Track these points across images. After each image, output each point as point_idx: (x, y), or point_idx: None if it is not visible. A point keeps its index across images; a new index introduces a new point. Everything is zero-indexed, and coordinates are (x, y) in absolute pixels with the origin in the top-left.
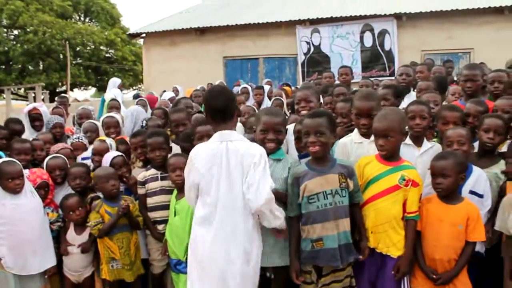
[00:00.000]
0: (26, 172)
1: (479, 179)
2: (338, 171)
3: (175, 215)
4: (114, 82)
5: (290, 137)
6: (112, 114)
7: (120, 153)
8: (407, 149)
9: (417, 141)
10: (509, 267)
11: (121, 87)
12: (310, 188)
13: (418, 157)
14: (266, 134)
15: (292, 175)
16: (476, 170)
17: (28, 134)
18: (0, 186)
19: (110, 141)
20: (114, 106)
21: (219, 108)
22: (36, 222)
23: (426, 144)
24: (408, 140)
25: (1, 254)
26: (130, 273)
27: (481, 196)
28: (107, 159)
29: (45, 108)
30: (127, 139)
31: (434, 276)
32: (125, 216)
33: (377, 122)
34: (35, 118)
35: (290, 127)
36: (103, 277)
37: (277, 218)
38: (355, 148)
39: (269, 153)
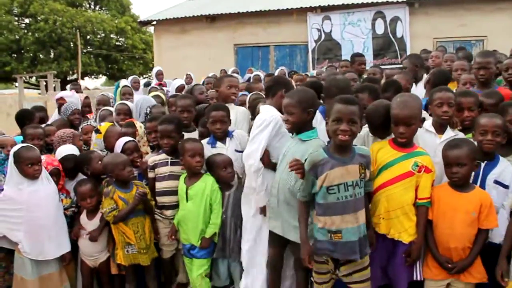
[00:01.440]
0: (42, 158)
1: (506, 169)
2: (359, 161)
3: (187, 201)
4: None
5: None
6: (124, 101)
7: (131, 138)
8: (428, 136)
9: (440, 129)
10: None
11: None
12: (331, 179)
13: (439, 145)
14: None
15: (310, 162)
16: (503, 161)
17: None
18: (18, 171)
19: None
20: (127, 92)
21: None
22: (52, 208)
23: (449, 132)
24: (430, 127)
25: (18, 239)
26: (146, 257)
27: (506, 186)
28: (119, 144)
29: (72, 98)
30: (136, 122)
31: (450, 265)
32: (143, 202)
33: (398, 109)
34: (61, 105)
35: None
36: (118, 262)
37: (252, 188)
38: (371, 141)
39: (292, 133)
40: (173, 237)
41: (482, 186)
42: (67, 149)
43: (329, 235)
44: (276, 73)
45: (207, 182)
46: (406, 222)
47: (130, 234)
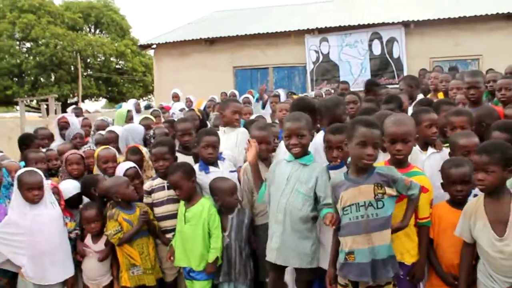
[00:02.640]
0: (47, 182)
1: None
2: (375, 181)
3: (185, 223)
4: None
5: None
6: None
7: (133, 165)
8: (413, 154)
9: (423, 147)
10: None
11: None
12: (345, 199)
13: (426, 160)
14: (289, 140)
15: (331, 185)
16: None
17: (58, 141)
18: (21, 196)
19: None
20: (130, 117)
21: None
22: (55, 233)
23: (431, 148)
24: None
25: (21, 263)
26: (152, 277)
27: None
28: (120, 169)
29: (73, 118)
30: (141, 148)
31: (456, 282)
32: (147, 223)
33: (394, 127)
34: (63, 126)
35: (320, 135)
36: (123, 285)
37: None
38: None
39: (296, 157)
40: (171, 258)
41: None
42: (72, 188)
43: (345, 256)
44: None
45: (205, 206)
46: (408, 243)
47: (136, 255)
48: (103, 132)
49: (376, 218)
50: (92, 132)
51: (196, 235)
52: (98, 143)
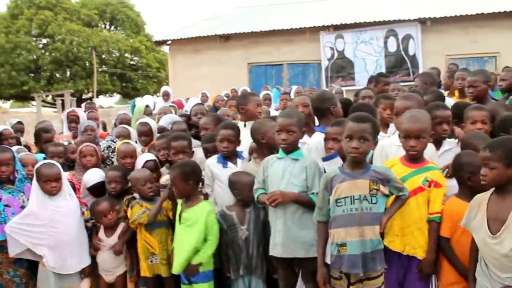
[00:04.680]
0: (66, 174)
1: None
2: (370, 176)
3: (180, 223)
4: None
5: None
6: (146, 120)
7: (153, 157)
8: (429, 150)
9: (437, 143)
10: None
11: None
12: (339, 191)
13: (439, 157)
14: (280, 135)
15: (324, 178)
16: None
17: (66, 134)
18: (40, 188)
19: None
20: (149, 112)
21: None
22: (74, 224)
23: (445, 144)
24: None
25: (42, 253)
26: (166, 268)
27: None
28: (140, 161)
29: (82, 112)
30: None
31: None
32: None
33: (409, 123)
34: (72, 120)
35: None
36: (142, 275)
37: None
38: (394, 151)
39: (286, 152)
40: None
41: None
42: (95, 176)
43: (337, 248)
44: (292, 92)
45: (203, 209)
46: (421, 238)
47: (155, 244)
48: (126, 126)
49: (369, 212)
50: (114, 125)
51: (188, 238)
52: (119, 136)
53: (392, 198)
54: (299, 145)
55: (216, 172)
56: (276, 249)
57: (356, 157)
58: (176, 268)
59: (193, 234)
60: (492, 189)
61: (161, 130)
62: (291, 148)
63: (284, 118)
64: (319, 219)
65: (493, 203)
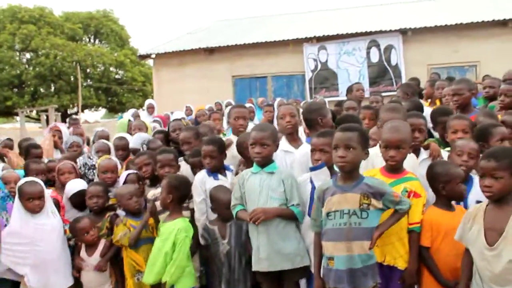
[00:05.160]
0: (49, 191)
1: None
2: (361, 190)
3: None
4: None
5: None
6: (123, 135)
7: (134, 171)
8: (408, 161)
9: (415, 152)
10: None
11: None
12: (330, 205)
13: (418, 166)
14: (254, 148)
15: (317, 190)
16: (477, 179)
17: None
18: (22, 206)
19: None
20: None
21: None
22: (57, 242)
23: (423, 153)
24: None
25: (24, 272)
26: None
27: None
28: (122, 176)
29: (64, 128)
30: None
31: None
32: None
33: (389, 133)
34: (54, 135)
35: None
36: None
37: None
38: (380, 161)
39: (261, 166)
40: None
41: (465, 207)
42: (77, 185)
43: (327, 261)
44: (275, 104)
45: (176, 226)
46: (402, 248)
47: (141, 261)
48: (104, 141)
49: (358, 227)
50: (92, 142)
51: (160, 251)
52: (99, 151)
53: (390, 211)
54: (283, 155)
55: (208, 185)
56: (262, 264)
57: (343, 167)
58: (147, 279)
59: (164, 249)
60: (485, 201)
61: (134, 151)
62: (265, 161)
63: (258, 131)
64: (314, 230)
65: (490, 213)
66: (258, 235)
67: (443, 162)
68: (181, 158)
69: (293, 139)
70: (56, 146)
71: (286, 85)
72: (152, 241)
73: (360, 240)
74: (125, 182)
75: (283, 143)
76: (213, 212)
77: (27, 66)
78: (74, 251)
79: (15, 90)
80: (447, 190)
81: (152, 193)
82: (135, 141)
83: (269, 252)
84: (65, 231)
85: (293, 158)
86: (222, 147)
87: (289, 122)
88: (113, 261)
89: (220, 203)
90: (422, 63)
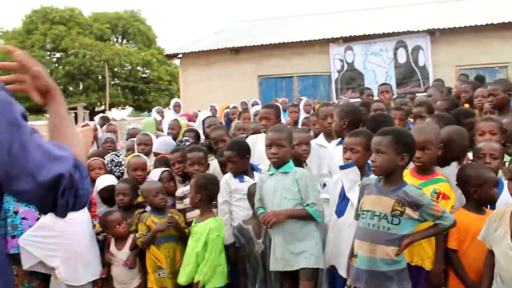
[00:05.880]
0: None
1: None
2: (398, 197)
3: (192, 237)
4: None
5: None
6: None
7: (167, 168)
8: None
9: None
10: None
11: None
12: (364, 203)
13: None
14: (270, 149)
15: (362, 183)
16: (505, 182)
17: None
18: None
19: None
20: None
21: None
22: (86, 235)
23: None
24: None
25: (54, 265)
26: (173, 282)
27: None
28: (156, 173)
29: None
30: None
31: None
32: (174, 228)
33: (415, 134)
34: None
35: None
36: (149, 286)
37: None
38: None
39: (276, 167)
40: None
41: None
42: (106, 180)
43: (353, 258)
44: (301, 105)
45: (208, 225)
46: (429, 249)
47: (162, 258)
48: (134, 139)
49: (385, 232)
50: (125, 139)
51: (193, 252)
52: (129, 150)
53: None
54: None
55: (233, 187)
56: (278, 264)
57: (373, 171)
58: (180, 280)
59: (197, 249)
60: None
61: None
62: (281, 162)
63: (274, 132)
64: (356, 219)
65: None
66: (274, 235)
67: (475, 164)
68: (213, 156)
69: (329, 136)
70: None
71: (312, 85)
72: (174, 239)
73: (384, 245)
74: (159, 180)
75: (320, 138)
76: (252, 209)
77: (57, 65)
78: (103, 246)
79: None
80: (478, 194)
81: (181, 190)
82: (158, 145)
83: (284, 252)
84: (94, 226)
85: (327, 152)
86: (243, 151)
87: (330, 123)
88: (141, 256)
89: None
90: (451, 64)
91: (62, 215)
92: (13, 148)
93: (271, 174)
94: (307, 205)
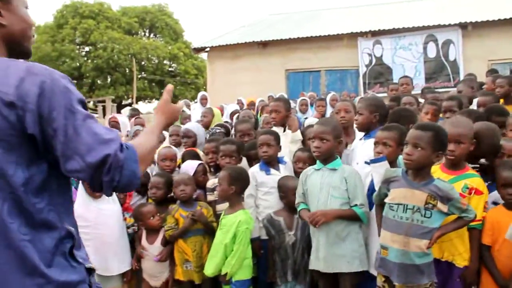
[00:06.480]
0: None
1: None
2: (430, 190)
3: (220, 229)
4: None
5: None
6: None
7: (202, 161)
8: None
9: None
10: None
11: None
12: (394, 196)
13: None
14: (313, 142)
15: (385, 176)
16: None
17: None
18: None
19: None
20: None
21: None
22: (116, 226)
23: None
24: None
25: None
26: (199, 275)
27: None
28: (193, 165)
29: (124, 119)
30: (198, 151)
31: None
32: (200, 222)
33: (449, 127)
34: (112, 126)
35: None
36: (176, 277)
37: None
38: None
39: (323, 162)
40: None
41: None
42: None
43: (381, 250)
44: (328, 99)
45: (237, 217)
46: (461, 246)
47: (189, 251)
48: (165, 132)
49: (419, 225)
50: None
51: (221, 243)
52: (172, 134)
53: (452, 216)
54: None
55: (260, 180)
56: (319, 264)
57: (407, 164)
58: (207, 271)
59: (225, 241)
60: None
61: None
62: (324, 156)
63: (319, 125)
64: (376, 203)
65: None
66: (318, 235)
67: (509, 162)
68: None
69: (347, 132)
70: None
71: (340, 79)
72: (202, 233)
73: (418, 238)
74: (195, 173)
75: None
76: (282, 201)
77: (86, 59)
78: (133, 239)
79: (75, 81)
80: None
81: (212, 182)
82: (192, 125)
83: (326, 253)
84: (125, 219)
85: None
86: (278, 138)
87: (343, 117)
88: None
89: (287, 189)
90: (483, 59)
91: (107, 192)
92: (68, 131)
93: (317, 169)
94: (355, 205)
